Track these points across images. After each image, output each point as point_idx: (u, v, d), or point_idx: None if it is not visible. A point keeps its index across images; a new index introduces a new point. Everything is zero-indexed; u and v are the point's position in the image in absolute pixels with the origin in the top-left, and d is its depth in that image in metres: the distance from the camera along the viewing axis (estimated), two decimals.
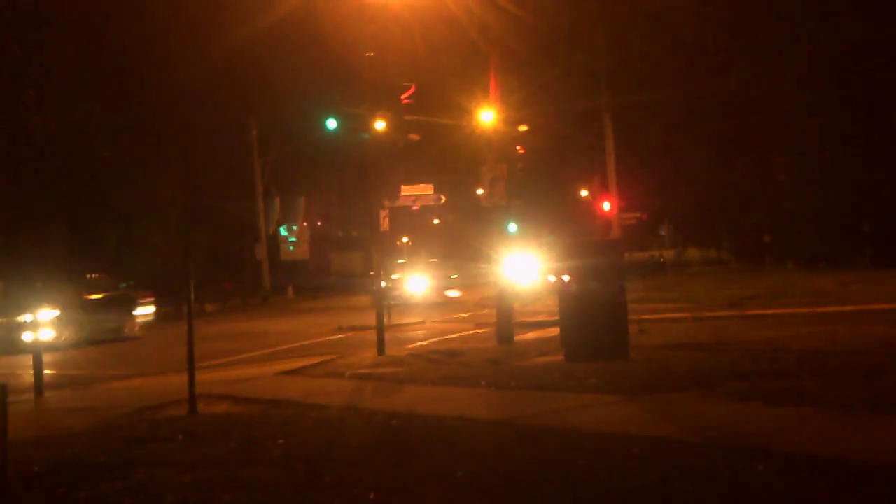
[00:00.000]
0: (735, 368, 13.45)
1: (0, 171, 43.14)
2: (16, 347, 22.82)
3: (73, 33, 46.07)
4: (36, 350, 15.28)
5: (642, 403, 11.14)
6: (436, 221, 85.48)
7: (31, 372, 15.15)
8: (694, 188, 64.77)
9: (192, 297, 12.74)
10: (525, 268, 39.28)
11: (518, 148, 23.97)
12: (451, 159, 49.31)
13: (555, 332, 17.66)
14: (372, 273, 21.58)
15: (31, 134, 42.77)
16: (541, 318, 25.61)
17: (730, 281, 42.59)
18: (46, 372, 15.32)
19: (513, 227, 21.48)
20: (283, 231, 62.01)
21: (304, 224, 62.52)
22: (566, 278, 15.53)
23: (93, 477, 8.46)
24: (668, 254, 69.57)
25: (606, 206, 47.98)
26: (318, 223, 73.62)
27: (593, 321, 15.44)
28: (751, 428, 9.34)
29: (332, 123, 34.24)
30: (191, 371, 12.29)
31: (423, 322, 29.85)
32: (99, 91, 47.41)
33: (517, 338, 20.08)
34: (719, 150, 63.01)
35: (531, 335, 21.51)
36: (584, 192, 59.51)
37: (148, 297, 36.42)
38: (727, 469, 7.68)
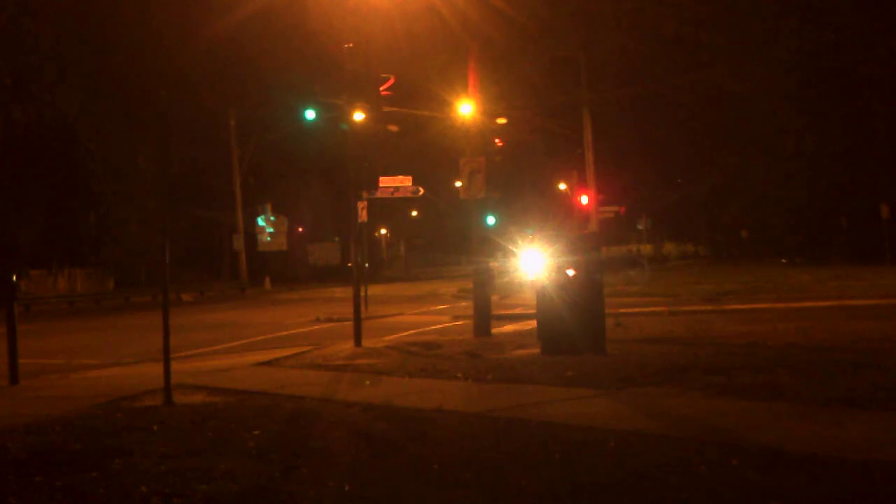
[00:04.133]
0: (711, 363, 13.52)
1: None
2: None
3: (53, 22, 45.83)
4: (11, 337, 15.16)
5: (618, 397, 11.17)
6: (414, 213, 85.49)
7: (6, 360, 15.06)
8: (672, 183, 65.07)
9: (168, 286, 12.69)
10: (503, 260, 39.33)
11: (497, 141, 24.02)
12: (430, 152, 49.37)
13: (532, 324, 17.71)
14: (350, 264, 21.54)
15: (11, 123, 42.51)
16: (518, 310, 25.67)
17: (707, 276, 42.83)
18: (21, 360, 15.20)
19: (491, 219, 21.50)
20: (260, 222, 61.83)
21: (283, 216, 62.35)
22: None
23: (68, 466, 8.42)
24: (646, 248, 69.83)
25: (584, 199, 48.09)
26: (299, 230, 73.47)
27: (570, 315, 15.48)
28: (726, 422, 9.39)
29: (310, 114, 34.08)
30: (166, 361, 12.25)
31: (400, 314, 29.87)
32: (79, 80, 47.18)
33: (494, 330, 20.12)
34: (698, 145, 63.31)
35: (509, 328, 21.56)
36: (562, 186, 59.60)
37: None
38: (702, 463, 7.71)
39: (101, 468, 8.27)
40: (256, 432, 9.68)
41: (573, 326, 15.41)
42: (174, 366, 12.44)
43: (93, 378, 15.97)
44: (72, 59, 46.81)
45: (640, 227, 64.69)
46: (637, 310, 24.51)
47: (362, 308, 20.01)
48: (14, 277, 16.64)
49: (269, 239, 61.84)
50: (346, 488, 7.38)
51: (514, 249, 37.50)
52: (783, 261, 53.94)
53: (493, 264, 23.17)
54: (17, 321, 15.54)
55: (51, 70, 45.43)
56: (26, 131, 44.24)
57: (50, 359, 19.13)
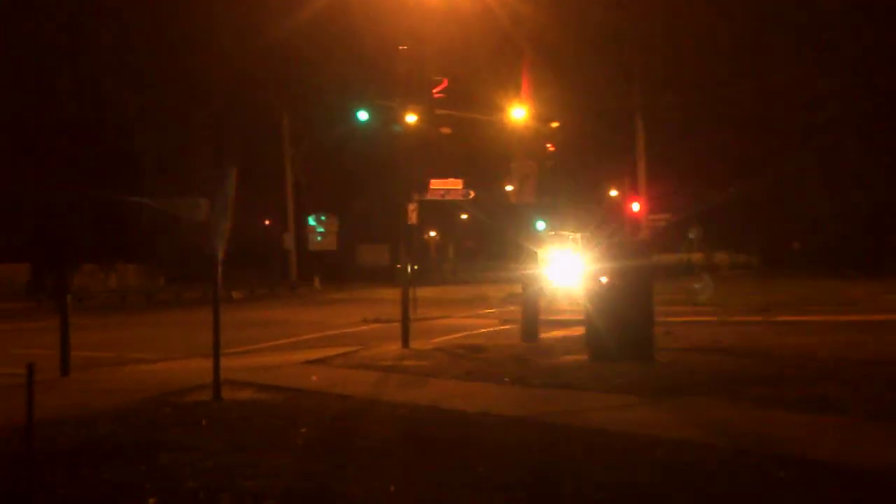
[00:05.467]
0: (760, 374, 13.38)
1: (33, 157, 43.57)
2: None
3: (112, 23, 46.43)
4: (63, 330, 15.36)
5: (666, 406, 11.10)
6: (464, 217, 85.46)
7: (58, 352, 15.26)
8: (724, 191, 64.42)
9: (219, 283, 12.78)
10: (552, 265, 39.21)
11: (548, 146, 23.95)
12: (481, 155, 49.35)
13: (580, 331, 17.62)
14: (399, 265, 21.58)
15: (69, 121, 43.12)
16: (567, 316, 25.53)
17: (758, 286, 42.38)
18: (73, 353, 15.39)
19: (541, 224, 21.44)
20: (311, 221, 62.13)
21: (333, 216, 62.63)
22: (604, 279, 15.47)
23: (116, 459, 8.51)
24: (697, 257, 69.23)
25: (635, 206, 47.75)
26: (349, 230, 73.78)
27: (620, 322, 15.40)
28: (774, 434, 9.29)
29: (363, 115, 34.24)
30: (216, 357, 12.34)
31: (448, 316, 29.86)
32: (138, 80, 47.77)
33: (542, 335, 20.03)
34: (751, 153, 62.66)
35: (557, 333, 21.46)
36: (613, 192, 59.31)
37: None
38: (750, 474, 7.65)
39: (149, 462, 8.35)
40: (303, 430, 9.73)
41: (622, 334, 15.33)
42: (223, 362, 12.52)
43: (142, 372, 16.14)
44: (131, 59, 47.40)
45: (690, 235, 64.17)
46: (686, 318, 24.29)
47: (410, 310, 20.03)
48: (67, 272, 16.86)
49: (319, 238, 62.14)
50: (392, 489, 7.39)
51: (564, 254, 37.36)
52: (840, 273, 53.29)
53: (543, 269, 23.08)
54: (70, 314, 15.74)
55: (110, 70, 46.04)
56: (83, 130, 44.86)
57: (100, 352, 19.33)
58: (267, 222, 63.99)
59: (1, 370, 16.25)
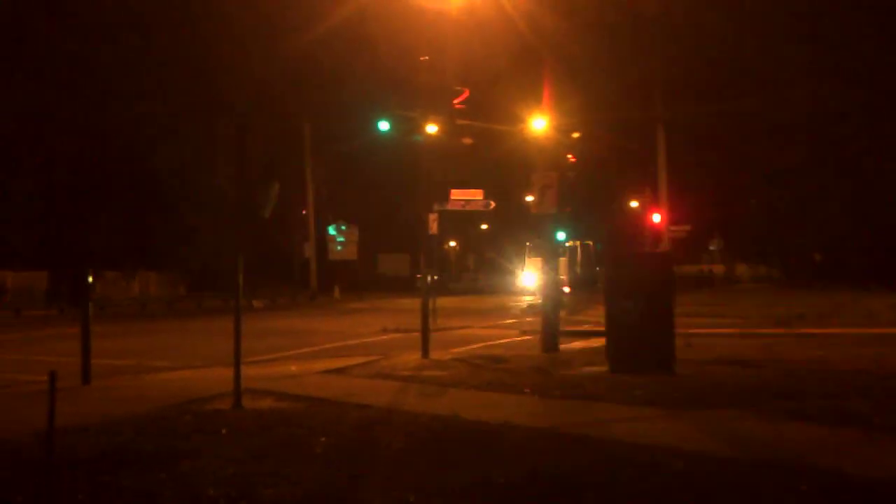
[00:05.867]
0: (782, 387, 13.31)
1: (59, 164, 43.85)
2: None
3: (136, 33, 46.69)
4: (84, 338, 15.42)
5: (687, 418, 11.05)
6: (484, 227, 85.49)
7: (79, 360, 15.31)
8: (746, 203, 64.20)
9: (240, 293, 12.81)
10: (572, 276, 39.13)
11: (570, 156, 23.92)
12: (501, 165, 49.37)
13: (601, 342, 17.58)
14: (419, 275, 21.59)
15: (91, 134, 43.38)
16: (587, 327, 25.50)
17: (779, 298, 42.22)
18: (94, 361, 15.45)
19: (561, 235, 21.42)
20: (331, 231, 62.27)
21: (353, 226, 62.77)
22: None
23: (137, 466, 8.53)
24: (718, 269, 69.05)
25: (656, 217, 47.71)
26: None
27: (640, 333, 15.37)
28: (796, 447, 9.24)
29: (384, 126, 34.30)
30: (237, 366, 12.38)
31: (468, 327, 29.85)
32: (159, 91, 48.03)
33: (562, 346, 20.00)
34: (774, 165, 62.40)
35: (577, 344, 21.43)
36: (633, 203, 59.23)
37: None
38: (771, 487, 7.60)
39: (169, 469, 8.37)
40: (323, 439, 9.73)
41: (643, 345, 15.30)
42: (243, 370, 12.56)
43: (163, 380, 16.19)
44: (154, 68, 47.68)
45: (711, 247, 63.99)
46: (707, 331, 24.20)
47: (430, 320, 20.03)
48: (89, 279, 16.94)
49: (339, 248, 62.27)
50: (412, 499, 7.37)
51: (585, 265, 37.35)
52: (862, 285, 52.96)
53: (562, 279, 23.05)
54: (91, 322, 15.81)
55: (133, 79, 46.32)
56: (105, 142, 45.13)
57: (121, 360, 19.41)
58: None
59: (22, 377, 16.37)
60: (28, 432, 9.84)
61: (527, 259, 57.12)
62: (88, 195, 44.81)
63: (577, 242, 57.28)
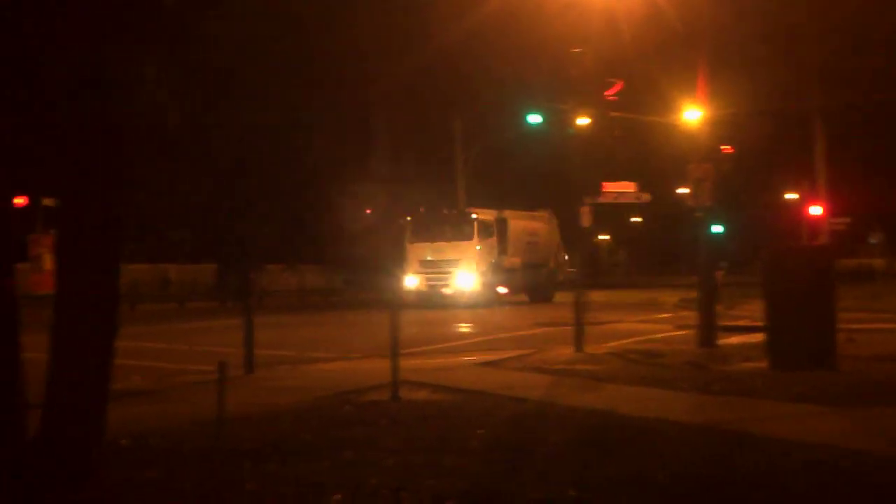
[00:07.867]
0: None
1: (221, 163, 45.23)
2: None
3: (290, 31, 47.68)
4: (247, 329, 15.88)
5: (850, 415, 10.75)
6: (635, 219, 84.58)
7: (242, 350, 15.80)
8: None
9: (396, 287, 13.03)
10: (726, 269, 38.36)
11: (725, 147, 23.39)
12: (653, 157, 48.70)
13: (759, 337, 17.21)
14: (572, 269, 21.52)
15: (250, 130, 44.50)
16: (744, 322, 24.95)
17: None
18: (256, 351, 15.91)
19: (718, 228, 21.04)
20: None
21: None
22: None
23: (300, 455, 8.75)
24: (879, 262, 66.63)
25: (816, 210, 46.39)
26: None
27: (801, 329, 15.01)
28: None
29: (535, 118, 34.17)
30: (394, 358, 12.60)
31: (620, 321, 29.61)
32: (314, 84, 48.99)
33: (719, 342, 19.61)
34: None
35: (734, 339, 21.00)
36: (790, 195, 57.71)
37: None
38: None
39: (332, 459, 8.55)
40: (480, 431, 9.81)
41: (804, 341, 14.94)
42: (399, 362, 12.76)
43: (321, 371, 16.58)
44: (308, 65, 48.64)
45: (871, 240, 61.80)
46: (869, 326, 23.41)
47: (582, 313, 19.93)
48: (251, 275, 17.46)
49: None
50: (571, 493, 7.37)
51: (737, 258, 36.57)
52: None
53: (719, 273, 22.63)
54: (252, 313, 16.29)
55: (289, 76, 47.35)
56: (265, 140, 46.34)
57: (282, 350, 19.91)
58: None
59: (188, 367, 17.01)
60: (194, 421, 10.21)
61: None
62: (250, 195, 46.16)
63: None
